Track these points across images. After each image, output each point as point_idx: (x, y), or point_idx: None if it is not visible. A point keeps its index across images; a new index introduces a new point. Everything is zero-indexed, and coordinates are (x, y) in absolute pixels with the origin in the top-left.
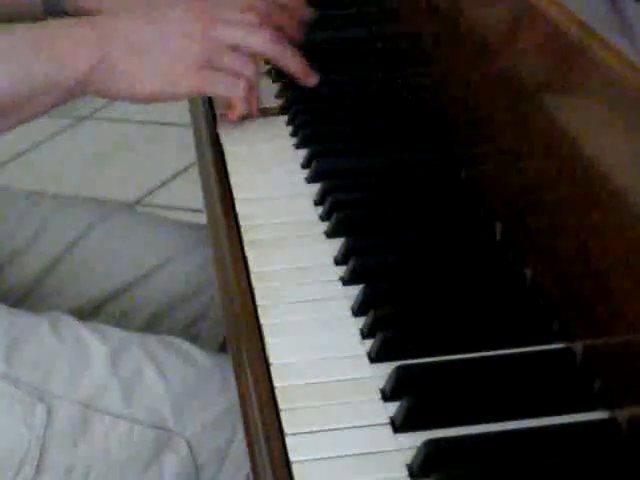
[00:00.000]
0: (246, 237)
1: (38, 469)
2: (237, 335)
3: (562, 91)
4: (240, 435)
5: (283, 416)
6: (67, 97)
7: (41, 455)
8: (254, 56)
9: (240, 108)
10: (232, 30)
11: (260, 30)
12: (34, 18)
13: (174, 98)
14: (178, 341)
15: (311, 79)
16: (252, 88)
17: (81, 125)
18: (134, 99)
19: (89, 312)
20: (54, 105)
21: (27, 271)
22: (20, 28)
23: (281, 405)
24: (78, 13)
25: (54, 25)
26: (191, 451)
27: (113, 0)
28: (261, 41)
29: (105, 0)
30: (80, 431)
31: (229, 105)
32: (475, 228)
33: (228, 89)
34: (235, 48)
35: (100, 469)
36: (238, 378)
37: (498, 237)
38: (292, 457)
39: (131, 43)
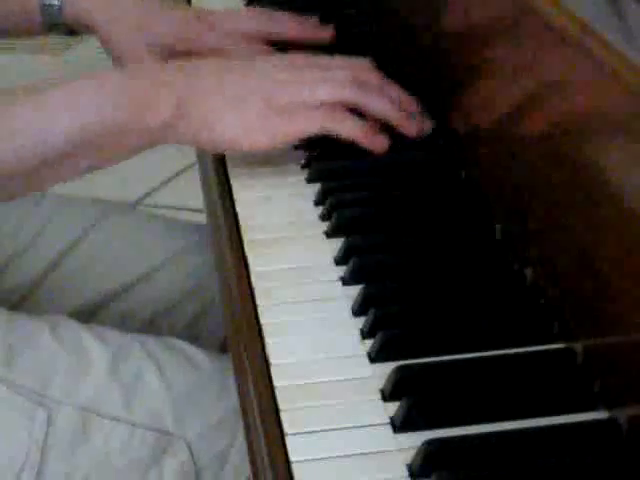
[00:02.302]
0: (246, 237)
1: (38, 474)
2: (237, 335)
3: (562, 91)
4: (240, 438)
5: (283, 416)
6: (147, 140)
7: (41, 460)
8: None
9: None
10: (327, 83)
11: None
12: (32, 33)
13: (256, 147)
14: (179, 343)
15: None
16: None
17: None
18: (215, 147)
19: (90, 312)
20: (136, 149)
21: (28, 271)
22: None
23: (281, 405)
24: (78, 24)
25: (137, 68)
26: (191, 455)
27: (105, 10)
28: (368, 99)
29: (98, 10)
30: (80, 436)
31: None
32: (475, 228)
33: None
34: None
35: (100, 474)
36: (238, 378)
37: (498, 237)
38: (292, 457)
39: (214, 88)
